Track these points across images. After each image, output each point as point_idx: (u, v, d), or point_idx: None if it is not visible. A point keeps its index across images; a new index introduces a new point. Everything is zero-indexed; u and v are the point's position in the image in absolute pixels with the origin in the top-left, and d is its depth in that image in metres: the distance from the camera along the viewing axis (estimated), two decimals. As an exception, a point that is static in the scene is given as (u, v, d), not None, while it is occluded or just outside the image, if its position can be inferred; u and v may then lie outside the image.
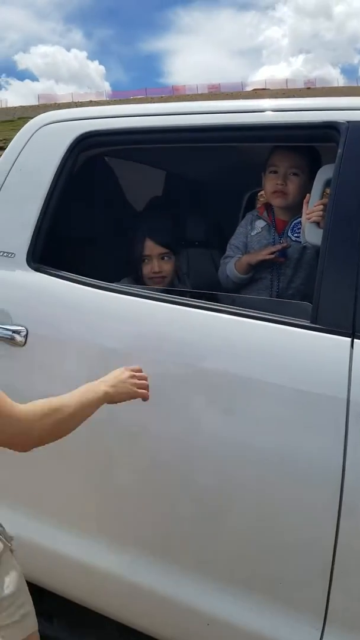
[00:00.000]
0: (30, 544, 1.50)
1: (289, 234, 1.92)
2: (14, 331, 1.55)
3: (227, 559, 1.38)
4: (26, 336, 1.55)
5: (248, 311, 1.42)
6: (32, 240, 1.63)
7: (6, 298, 1.63)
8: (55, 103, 51.40)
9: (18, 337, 1.54)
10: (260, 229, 1.99)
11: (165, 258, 1.98)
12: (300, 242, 1.81)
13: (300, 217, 1.73)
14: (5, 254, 1.65)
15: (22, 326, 1.56)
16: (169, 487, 1.43)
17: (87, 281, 1.60)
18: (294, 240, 1.90)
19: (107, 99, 52.11)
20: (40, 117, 1.82)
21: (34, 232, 1.63)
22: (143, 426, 1.43)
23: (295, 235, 1.89)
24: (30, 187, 1.68)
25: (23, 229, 1.65)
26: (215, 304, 1.51)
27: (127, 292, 1.57)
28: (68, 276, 1.61)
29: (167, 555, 1.44)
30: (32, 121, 1.82)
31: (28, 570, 1.29)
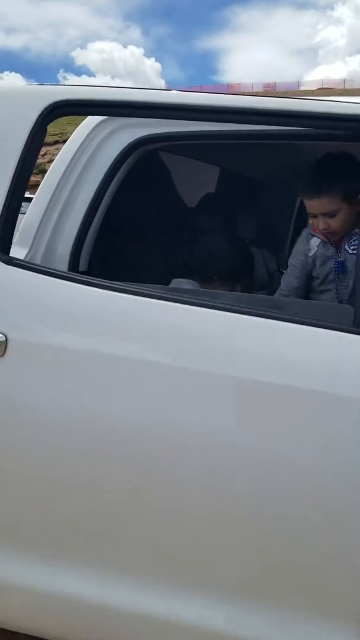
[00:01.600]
0: None
1: (346, 247, 1.92)
2: None
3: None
4: (5, 344, 1.29)
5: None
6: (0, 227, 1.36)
7: None
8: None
9: None
10: (316, 248, 1.99)
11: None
12: (357, 254, 1.80)
13: (356, 229, 1.73)
14: None
15: None
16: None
17: (80, 278, 1.39)
18: (350, 253, 1.90)
19: (162, 96, 52.33)
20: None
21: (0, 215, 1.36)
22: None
23: (352, 248, 1.89)
24: None
25: None
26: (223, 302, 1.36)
27: (125, 290, 1.32)
28: (50, 271, 1.41)
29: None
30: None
31: None
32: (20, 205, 1.38)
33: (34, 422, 1.31)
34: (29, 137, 1.36)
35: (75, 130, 1.87)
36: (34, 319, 1.34)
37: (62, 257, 1.85)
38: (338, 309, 1.74)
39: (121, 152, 1.78)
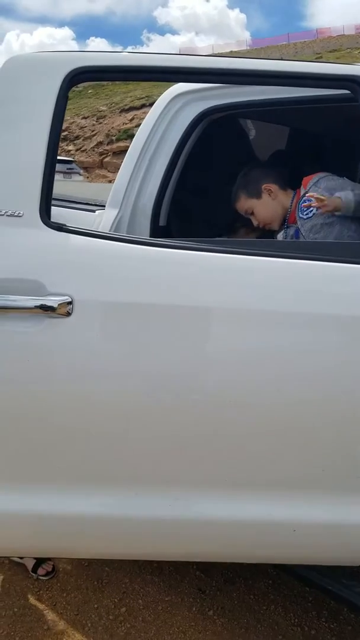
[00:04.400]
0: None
1: (300, 215, 1.96)
2: (56, 301, 1.31)
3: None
4: (72, 305, 1.31)
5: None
6: (42, 195, 1.37)
7: (33, 266, 1.35)
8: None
9: (62, 308, 1.31)
10: (281, 237, 2.08)
11: None
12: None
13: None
14: (11, 214, 1.36)
15: (64, 295, 1.32)
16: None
17: (128, 238, 1.49)
18: (305, 218, 1.94)
19: (248, 48, 50.80)
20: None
21: (42, 185, 1.37)
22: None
23: (305, 213, 1.94)
24: None
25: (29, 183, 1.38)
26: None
27: (173, 246, 1.40)
28: (97, 233, 1.46)
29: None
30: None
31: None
32: (54, 173, 1.40)
33: (102, 376, 1.35)
34: (56, 106, 1.39)
35: (153, 105, 2.19)
36: (93, 280, 1.36)
37: (145, 215, 2.20)
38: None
39: (191, 121, 2.08)
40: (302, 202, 1.91)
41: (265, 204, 2.01)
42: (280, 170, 2.03)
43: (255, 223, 2.06)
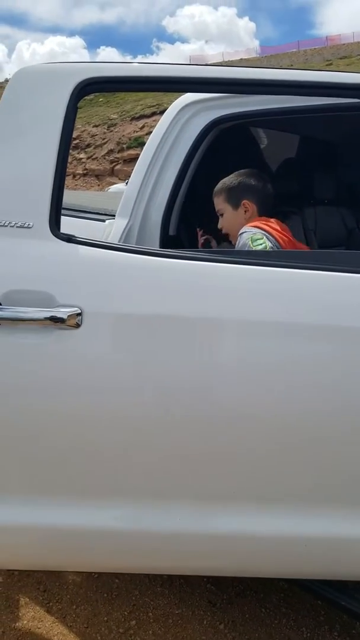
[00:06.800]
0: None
1: None
2: (65, 313, 1.31)
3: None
4: (81, 317, 1.31)
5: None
6: (51, 206, 1.37)
7: (43, 277, 1.35)
8: (207, 64, 51.38)
9: (71, 319, 1.31)
10: None
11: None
12: None
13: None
14: (20, 226, 1.37)
15: (74, 306, 1.32)
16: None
17: (133, 248, 1.45)
18: None
19: (258, 55, 50.95)
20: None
21: (52, 196, 1.37)
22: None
23: None
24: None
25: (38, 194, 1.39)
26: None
27: (181, 256, 1.39)
28: (108, 245, 1.46)
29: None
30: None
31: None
32: (63, 184, 1.41)
33: (111, 388, 1.34)
34: (65, 116, 1.39)
35: (163, 115, 2.20)
36: (103, 291, 1.36)
37: (155, 224, 2.20)
38: None
39: (201, 130, 2.09)
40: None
41: (237, 217, 1.97)
42: (269, 194, 1.98)
43: (219, 225, 2.03)
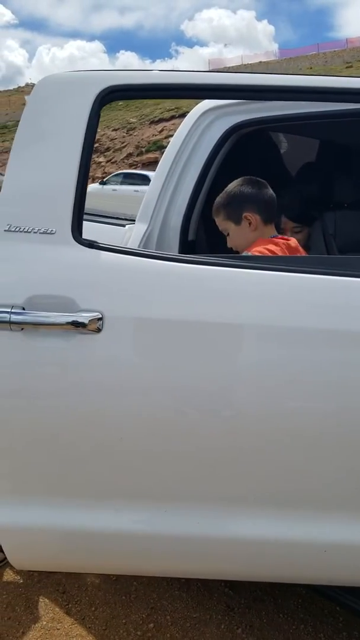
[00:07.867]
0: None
1: None
2: (87, 317, 1.33)
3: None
4: (102, 321, 1.33)
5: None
6: (74, 213, 1.40)
7: (65, 283, 1.37)
8: (226, 67, 51.45)
9: (92, 324, 1.33)
10: None
11: None
12: None
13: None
14: (43, 232, 1.39)
15: (95, 311, 1.34)
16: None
17: (153, 254, 1.47)
18: None
19: (277, 58, 50.84)
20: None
21: (74, 203, 1.40)
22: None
23: None
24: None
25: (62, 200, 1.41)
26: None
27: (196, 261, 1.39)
28: (129, 250, 1.45)
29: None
30: None
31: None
32: (85, 191, 1.43)
33: (131, 391, 1.36)
34: (88, 124, 1.41)
35: (184, 120, 2.21)
36: (123, 296, 1.37)
37: (175, 229, 2.21)
38: None
39: (221, 135, 2.10)
40: None
41: (242, 232, 1.91)
42: (269, 199, 1.91)
43: (228, 244, 1.97)
